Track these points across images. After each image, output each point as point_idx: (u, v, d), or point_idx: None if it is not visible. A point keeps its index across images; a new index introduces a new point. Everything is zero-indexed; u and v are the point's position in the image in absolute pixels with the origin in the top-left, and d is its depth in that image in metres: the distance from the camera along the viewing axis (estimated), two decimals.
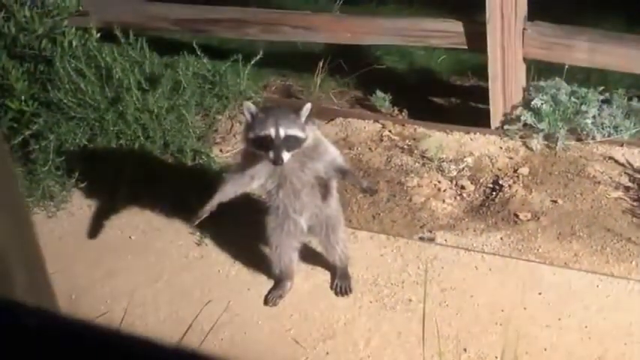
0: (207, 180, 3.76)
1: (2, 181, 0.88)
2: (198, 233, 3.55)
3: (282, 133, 2.78)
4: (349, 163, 3.40)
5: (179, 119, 3.98)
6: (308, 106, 2.85)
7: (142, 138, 3.89)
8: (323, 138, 3.01)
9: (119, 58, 4.04)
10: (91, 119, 3.88)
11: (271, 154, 2.77)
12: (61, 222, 3.74)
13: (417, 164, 3.95)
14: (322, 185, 3.01)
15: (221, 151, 4.13)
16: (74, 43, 4.09)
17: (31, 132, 3.84)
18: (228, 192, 2.99)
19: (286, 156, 2.78)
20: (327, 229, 3.11)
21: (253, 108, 2.87)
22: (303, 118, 2.83)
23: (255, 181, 2.99)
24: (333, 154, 2.98)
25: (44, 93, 3.95)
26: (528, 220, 3.52)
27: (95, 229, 3.69)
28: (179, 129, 3.95)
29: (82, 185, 3.89)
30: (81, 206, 3.84)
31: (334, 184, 3.08)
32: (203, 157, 3.91)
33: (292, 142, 2.80)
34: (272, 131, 2.78)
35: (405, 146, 4.09)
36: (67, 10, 4.26)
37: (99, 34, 4.19)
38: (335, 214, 3.12)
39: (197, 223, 3.04)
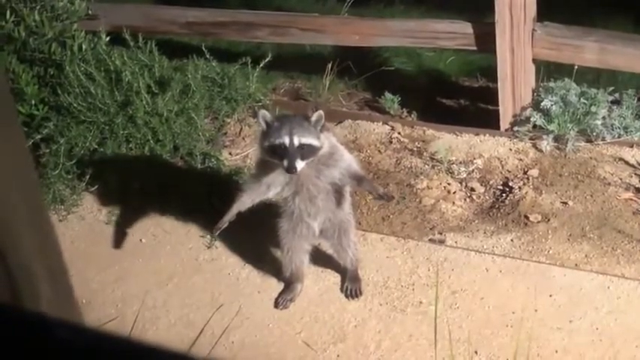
0: (217, 183, 3.78)
1: (28, 197, 0.89)
2: (208, 236, 3.55)
3: (296, 141, 2.78)
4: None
5: (188, 122, 3.98)
6: (319, 113, 2.85)
7: (151, 141, 3.90)
8: (338, 144, 3.02)
9: (128, 61, 4.05)
10: (100, 123, 3.89)
11: (285, 163, 2.77)
12: (72, 226, 3.75)
13: (426, 166, 3.95)
14: (337, 190, 3.02)
15: (230, 154, 4.13)
16: (84, 47, 4.10)
17: (41, 136, 3.85)
18: (245, 202, 3.01)
19: (300, 164, 2.78)
20: (339, 232, 3.12)
21: (268, 116, 2.87)
22: (316, 126, 2.83)
23: (272, 190, 3.00)
24: (349, 161, 2.98)
25: (54, 97, 3.97)
26: (538, 222, 3.52)
27: (106, 232, 3.70)
28: (188, 132, 3.96)
29: (93, 189, 3.90)
30: (91, 210, 3.85)
31: (348, 189, 3.08)
32: (212, 160, 3.92)
33: (307, 151, 2.80)
34: (286, 140, 2.78)
35: (415, 148, 4.09)
36: (76, 14, 4.27)
37: (108, 38, 4.19)
38: (348, 217, 3.13)
39: (217, 234, 3.07)
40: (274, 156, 2.83)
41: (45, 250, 0.90)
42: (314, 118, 2.83)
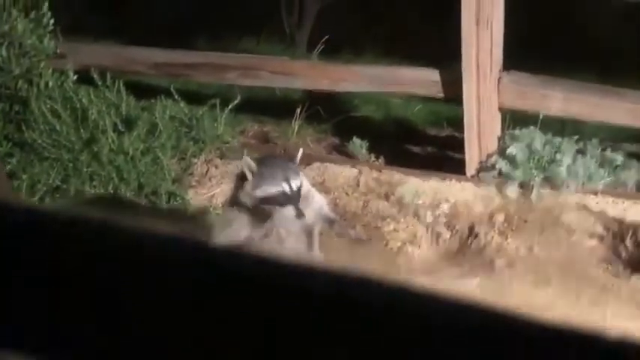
0: (182, 222, 3.73)
1: None
2: None
3: (294, 186, 2.74)
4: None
5: (154, 162, 3.95)
6: (301, 152, 2.85)
7: (115, 179, 3.85)
8: (310, 186, 2.99)
9: (95, 100, 4.03)
10: (65, 160, 3.84)
11: (293, 210, 2.72)
12: None
13: (393, 210, 3.94)
14: (307, 233, 2.97)
15: (196, 193, 4.09)
16: (50, 84, 4.07)
17: None
18: None
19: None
20: None
21: (253, 165, 2.80)
22: (299, 167, 2.82)
23: (242, 234, 2.94)
24: (320, 203, 2.94)
25: (18, 133, 3.92)
26: (504, 267, 3.51)
27: None
28: (154, 171, 3.92)
29: None
30: None
31: (317, 230, 3.04)
32: (178, 199, 3.88)
33: (299, 193, 2.77)
34: (286, 187, 2.73)
35: (382, 192, 4.09)
36: (44, 52, 4.25)
37: (76, 76, 4.17)
38: (316, 258, 3.08)
39: None
40: (269, 204, 2.77)
41: None
42: (298, 157, 2.81)
